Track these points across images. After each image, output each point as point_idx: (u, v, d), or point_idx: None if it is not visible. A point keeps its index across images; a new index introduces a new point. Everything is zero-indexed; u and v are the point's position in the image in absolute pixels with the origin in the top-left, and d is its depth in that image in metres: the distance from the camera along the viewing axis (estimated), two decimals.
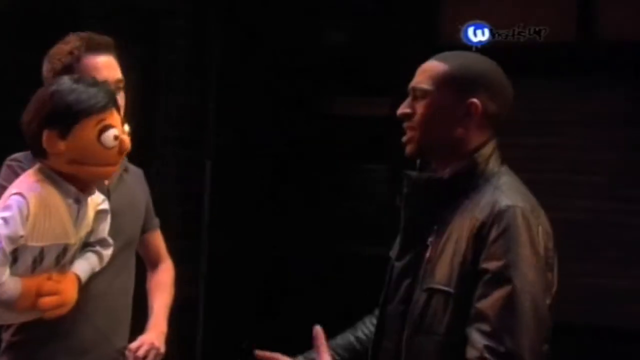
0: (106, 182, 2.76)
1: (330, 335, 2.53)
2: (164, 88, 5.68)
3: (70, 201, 2.47)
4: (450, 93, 2.27)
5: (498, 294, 2.08)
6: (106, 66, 2.75)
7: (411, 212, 2.35)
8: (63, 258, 2.50)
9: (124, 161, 2.84)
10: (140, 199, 3.00)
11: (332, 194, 5.98)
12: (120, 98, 2.69)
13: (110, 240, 2.69)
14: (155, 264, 3.14)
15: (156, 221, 3.13)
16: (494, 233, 2.13)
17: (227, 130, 5.82)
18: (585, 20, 5.12)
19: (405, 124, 2.32)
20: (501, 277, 2.09)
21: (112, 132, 2.42)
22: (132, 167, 3.01)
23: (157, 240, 3.15)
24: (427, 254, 2.26)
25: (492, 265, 2.11)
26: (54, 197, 2.44)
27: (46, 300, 2.45)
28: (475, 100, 2.26)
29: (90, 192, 2.54)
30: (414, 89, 2.32)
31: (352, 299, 5.49)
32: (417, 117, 2.30)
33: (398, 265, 2.35)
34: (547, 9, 5.02)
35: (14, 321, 2.62)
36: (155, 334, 2.86)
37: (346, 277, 5.63)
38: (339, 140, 5.87)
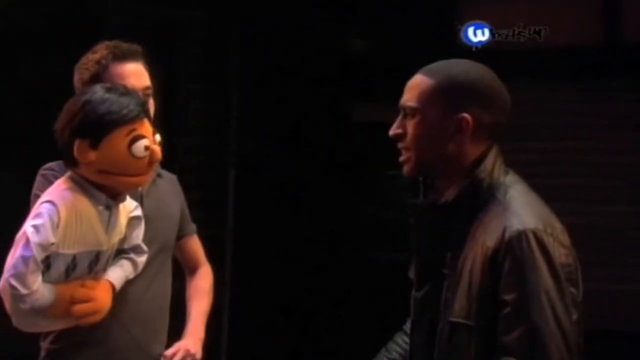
0: (139, 188, 2.75)
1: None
2: (184, 96, 5.70)
3: (101, 208, 2.47)
4: (439, 110, 2.17)
5: (523, 328, 2.02)
6: (133, 74, 2.75)
7: (422, 241, 2.28)
8: (96, 265, 2.50)
9: (156, 167, 2.85)
10: (174, 204, 2.99)
11: (355, 200, 5.98)
12: (150, 105, 2.70)
13: (145, 247, 2.69)
14: (193, 269, 3.11)
15: (193, 226, 3.11)
16: (508, 263, 2.05)
17: (248, 138, 5.83)
18: (607, 24, 5.11)
19: (399, 145, 2.25)
20: (522, 310, 2.03)
21: (142, 143, 2.41)
22: (166, 173, 3.01)
23: (195, 245, 3.12)
24: (445, 285, 2.17)
25: (511, 297, 2.04)
26: (85, 205, 2.44)
27: (80, 307, 2.45)
28: (465, 115, 2.15)
29: (121, 199, 2.53)
30: (403, 107, 2.24)
31: (376, 305, 5.50)
32: (409, 137, 2.22)
33: (417, 296, 2.28)
34: (570, 11, 5.02)
35: (49, 328, 2.61)
36: (192, 340, 2.84)
37: (369, 283, 5.62)
38: (361, 147, 5.86)
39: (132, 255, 2.65)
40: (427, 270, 2.26)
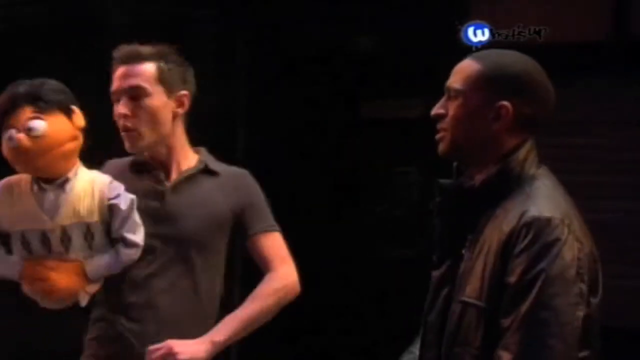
0: (167, 184, 2.84)
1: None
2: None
3: (35, 189, 2.59)
4: (481, 94, 2.22)
5: (519, 312, 2.04)
6: (120, 76, 2.83)
7: (445, 221, 2.31)
8: (49, 245, 2.59)
9: (202, 162, 2.93)
10: (219, 203, 2.90)
11: (364, 197, 5.97)
12: (140, 106, 2.80)
13: (135, 240, 2.71)
14: (265, 270, 2.97)
15: (263, 225, 2.98)
16: (519, 246, 2.08)
17: (256, 135, 5.82)
18: (615, 19, 5.08)
19: (439, 125, 2.29)
20: (522, 294, 2.05)
21: (7, 134, 2.51)
22: (225, 169, 3.00)
23: (264, 245, 2.97)
24: (461, 265, 2.22)
25: (513, 280, 2.07)
26: (21, 186, 2.59)
27: (32, 284, 2.59)
28: (506, 103, 2.20)
29: (60, 182, 2.60)
30: (448, 89, 2.28)
31: (387, 303, 5.48)
32: (449, 118, 2.26)
33: (435, 275, 2.32)
34: (578, 7, 4.99)
35: (42, 304, 2.69)
36: (197, 341, 2.74)
37: (379, 281, 5.60)
38: (370, 143, 5.85)
39: (119, 245, 2.69)
40: (446, 250, 2.29)
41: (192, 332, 2.78)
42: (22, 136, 2.49)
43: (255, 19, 5.83)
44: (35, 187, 2.59)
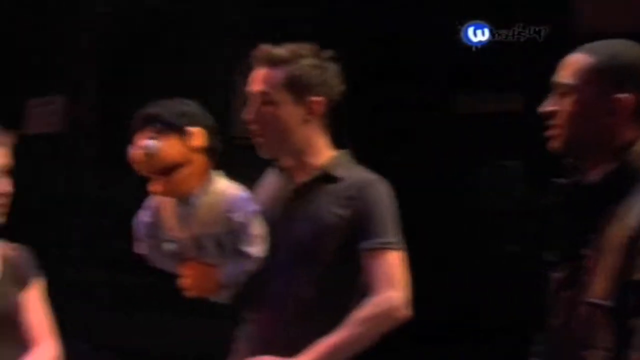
0: (288, 189, 2.77)
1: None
2: None
3: (178, 202, 2.70)
4: (595, 88, 2.10)
5: None
6: (253, 79, 2.76)
7: (565, 221, 2.22)
8: (188, 251, 2.72)
9: (323, 168, 2.78)
10: (326, 210, 2.71)
11: (464, 191, 5.94)
12: (265, 113, 2.72)
13: (250, 252, 2.70)
14: (367, 293, 2.67)
15: (375, 241, 2.68)
16: None
17: (356, 131, 5.86)
18: None
19: (550, 121, 2.17)
20: None
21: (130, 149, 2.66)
22: (350, 176, 2.78)
23: (371, 265, 2.67)
24: (585, 266, 2.10)
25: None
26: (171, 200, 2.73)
27: (180, 281, 2.72)
28: (622, 95, 2.08)
29: (184, 196, 2.70)
30: (558, 85, 2.16)
31: (486, 298, 5.44)
32: (561, 114, 2.14)
33: (556, 276, 2.22)
34: None
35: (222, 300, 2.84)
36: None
37: (480, 275, 5.57)
38: (472, 138, 5.81)
39: (239, 255, 2.73)
40: (567, 251, 2.20)
41: (299, 343, 2.64)
42: (137, 152, 2.64)
43: (352, 15, 5.85)
44: (176, 199, 2.72)
